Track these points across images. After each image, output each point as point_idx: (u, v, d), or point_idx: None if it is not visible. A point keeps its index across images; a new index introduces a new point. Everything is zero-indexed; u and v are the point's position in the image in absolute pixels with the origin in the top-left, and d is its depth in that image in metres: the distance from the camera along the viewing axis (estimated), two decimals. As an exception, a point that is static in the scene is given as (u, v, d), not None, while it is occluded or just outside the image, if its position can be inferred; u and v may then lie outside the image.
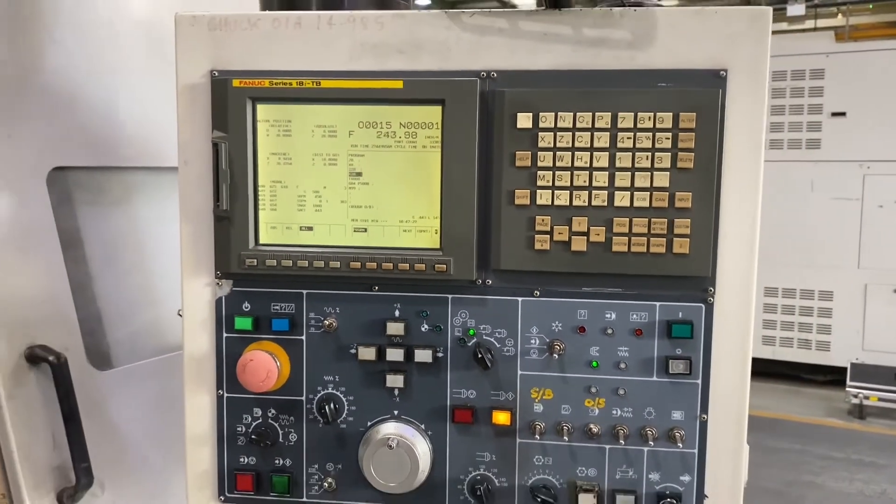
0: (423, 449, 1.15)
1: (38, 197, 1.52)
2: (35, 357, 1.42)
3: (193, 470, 1.21)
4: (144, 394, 1.64)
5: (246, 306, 1.17)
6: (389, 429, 1.15)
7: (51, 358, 1.42)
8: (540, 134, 1.08)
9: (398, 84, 1.09)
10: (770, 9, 1.06)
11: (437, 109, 1.09)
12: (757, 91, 1.06)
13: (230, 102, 1.11)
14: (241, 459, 1.19)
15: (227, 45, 1.13)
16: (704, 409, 1.11)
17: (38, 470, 1.42)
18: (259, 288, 1.16)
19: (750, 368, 1.11)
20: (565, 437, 1.13)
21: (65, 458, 1.44)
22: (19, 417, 1.40)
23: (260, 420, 1.18)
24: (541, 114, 1.08)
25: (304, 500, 1.19)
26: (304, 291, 1.16)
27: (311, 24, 1.12)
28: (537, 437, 1.14)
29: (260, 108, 1.12)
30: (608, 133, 1.07)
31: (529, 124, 1.08)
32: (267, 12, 1.14)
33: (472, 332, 1.14)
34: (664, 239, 1.08)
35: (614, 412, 1.13)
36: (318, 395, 1.17)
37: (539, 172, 1.09)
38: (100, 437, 1.53)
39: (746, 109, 1.06)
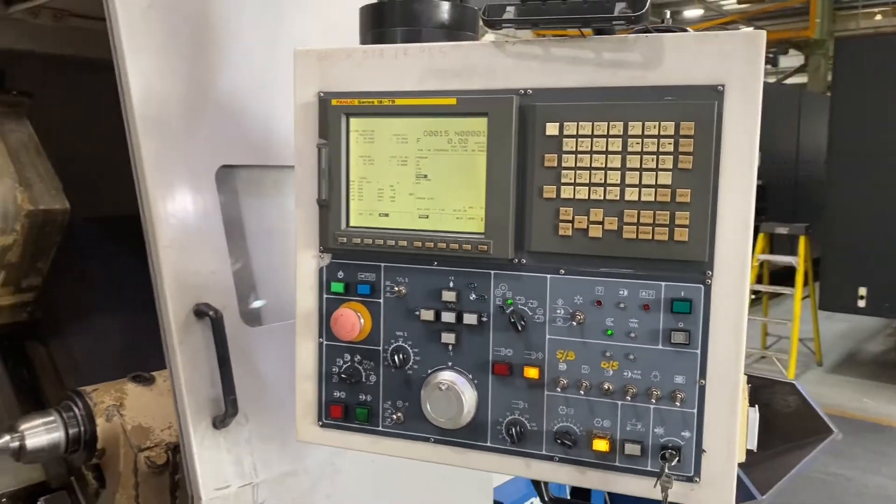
0: (469, 394, 1.42)
1: (209, 189, 1.96)
2: (200, 312, 1.85)
3: (301, 400, 1.57)
4: (283, 347, 2.02)
5: (340, 274, 1.50)
6: (444, 376, 1.44)
7: (211, 313, 1.84)
8: (564, 140, 1.32)
9: (453, 101, 1.38)
10: (763, 32, 1.23)
11: (484, 120, 1.36)
12: (751, 101, 1.23)
13: (330, 117, 1.45)
14: (334, 394, 1.53)
15: (330, 72, 1.47)
16: (703, 375, 1.29)
17: (198, 399, 1.84)
18: (349, 260, 1.49)
19: (744, 342, 1.27)
20: (584, 393, 1.36)
21: (218, 392, 1.86)
22: (186, 358, 1.84)
23: (349, 363, 1.52)
24: (565, 123, 1.31)
25: (380, 428, 1.51)
26: (382, 264, 1.48)
27: (391, 54, 1.43)
28: (561, 390, 1.37)
29: (352, 121, 1.45)
30: (620, 139, 1.29)
31: (556, 132, 1.32)
32: (359, 46, 1.47)
33: (509, 301, 1.40)
34: (667, 228, 1.27)
35: (625, 374, 1.34)
36: (391, 346, 1.48)
37: (563, 171, 1.32)
38: (246, 379, 1.93)
39: (741, 117, 1.24)
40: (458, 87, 1.39)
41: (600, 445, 1.35)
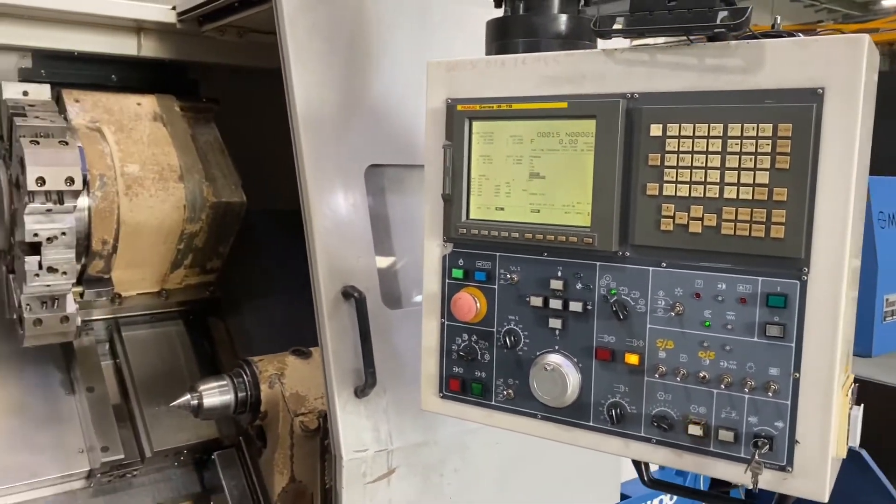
0: (573, 376, 1.54)
1: (358, 186, 2.20)
2: (346, 293, 2.09)
3: (425, 373, 1.75)
4: (419, 329, 2.23)
5: (460, 262, 1.67)
6: (551, 358, 1.56)
7: (356, 294, 2.08)
8: (667, 140, 1.40)
9: (564, 105, 1.50)
10: (866, 36, 1.25)
11: (592, 122, 1.48)
12: (851, 103, 1.26)
13: (455, 120, 1.62)
14: (453, 369, 1.70)
15: (457, 81, 1.64)
16: (797, 368, 1.33)
17: (343, 370, 2.08)
18: (469, 249, 1.66)
19: (840, 338, 1.30)
20: (681, 380, 1.44)
21: (360, 365, 2.09)
22: (334, 334, 2.08)
23: (466, 342, 1.68)
24: (668, 125, 1.40)
25: (493, 403, 1.66)
26: (497, 254, 1.62)
27: (511, 64, 1.58)
28: (659, 377, 1.46)
29: (474, 124, 1.61)
30: (720, 140, 1.35)
31: (660, 133, 1.41)
32: (483, 57, 1.63)
33: (613, 291, 1.50)
34: (763, 226, 1.33)
35: (721, 363, 1.40)
36: (504, 328, 1.62)
37: (666, 170, 1.41)
38: (386, 355, 2.15)
39: (841, 119, 1.27)
40: (569, 91, 1.51)
41: (695, 430, 1.42)
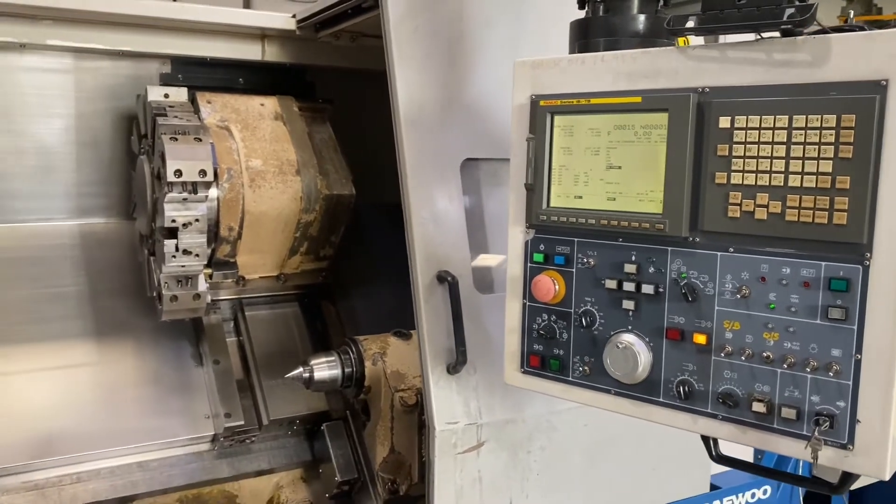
0: (644, 354, 1.64)
1: (454, 178, 2.36)
2: (441, 277, 2.26)
3: (508, 350, 1.89)
4: (508, 314, 2.38)
5: (541, 247, 1.80)
6: (624, 338, 1.67)
7: (449, 279, 2.24)
8: (735, 131, 1.48)
9: (638, 99, 1.60)
10: (929, 27, 1.29)
11: (664, 115, 1.57)
12: (915, 94, 1.30)
13: (538, 115, 1.75)
14: (534, 346, 1.83)
15: (541, 78, 1.77)
16: (859, 350, 1.38)
17: (436, 348, 2.25)
18: (549, 235, 1.78)
19: (901, 322, 1.34)
20: (746, 359, 1.51)
21: (452, 344, 2.25)
22: (429, 314, 2.25)
23: (546, 322, 1.80)
24: (736, 117, 1.48)
25: (570, 378, 1.78)
26: (576, 239, 1.74)
27: (590, 62, 1.69)
28: (725, 356, 1.53)
29: (556, 118, 1.74)
30: (786, 131, 1.42)
31: (728, 125, 1.49)
32: (564, 55, 1.75)
33: (683, 275, 1.59)
34: (826, 212, 1.38)
35: (785, 344, 1.46)
36: (581, 309, 1.74)
37: (733, 160, 1.49)
38: (477, 336, 2.30)
39: (905, 109, 1.31)
40: (644, 86, 1.61)
41: (759, 408, 1.49)
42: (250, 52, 3.15)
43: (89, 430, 2.76)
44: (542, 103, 1.74)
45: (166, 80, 3.11)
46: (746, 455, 1.78)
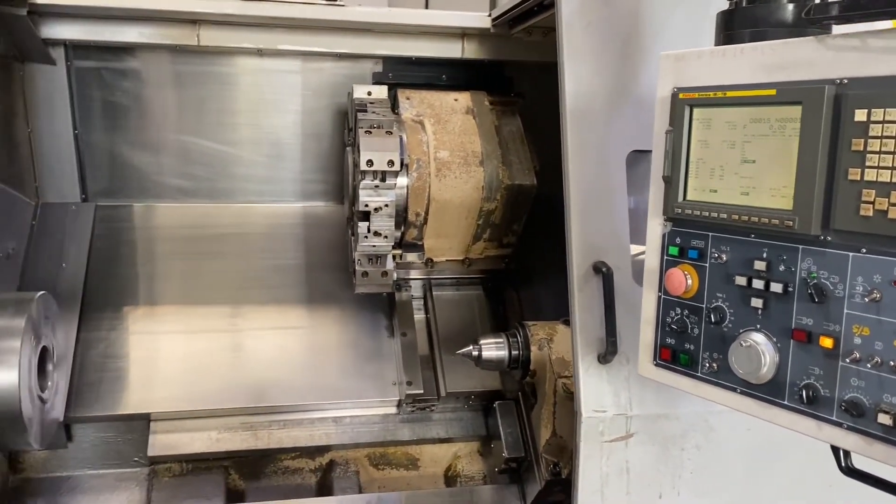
0: (770, 354, 1.59)
1: (619, 169, 2.39)
2: (596, 268, 2.31)
3: (643, 342, 1.91)
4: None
5: (677, 240, 1.80)
6: (752, 336, 1.63)
7: (604, 269, 2.28)
8: (871, 125, 1.39)
9: (772, 92, 1.55)
10: None
11: (798, 108, 1.51)
12: None
13: (677, 108, 1.75)
14: (666, 339, 1.84)
15: (684, 71, 1.77)
16: None
17: (588, 337, 2.31)
18: (684, 229, 1.78)
19: None
20: (874, 368, 1.41)
21: (604, 333, 2.29)
22: (583, 303, 2.31)
23: (678, 316, 1.80)
24: (873, 109, 1.39)
25: (698, 374, 1.76)
26: (710, 234, 1.72)
27: (730, 54, 1.66)
28: (853, 363, 1.45)
29: (694, 111, 1.73)
30: (925, 124, 1.32)
31: (864, 118, 1.40)
32: (707, 48, 1.73)
33: (813, 275, 1.52)
34: (966, 213, 1.27)
35: (917, 355, 1.36)
36: (712, 305, 1.72)
37: (868, 155, 1.40)
38: (632, 329, 2.31)
39: None
40: (783, 78, 1.56)
41: (885, 420, 1.40)
42: (451, 50, 3.39)
43: (296, 384, 3.18)
44: (681, 96, 1.74)
45: (377, 79, 3.45)
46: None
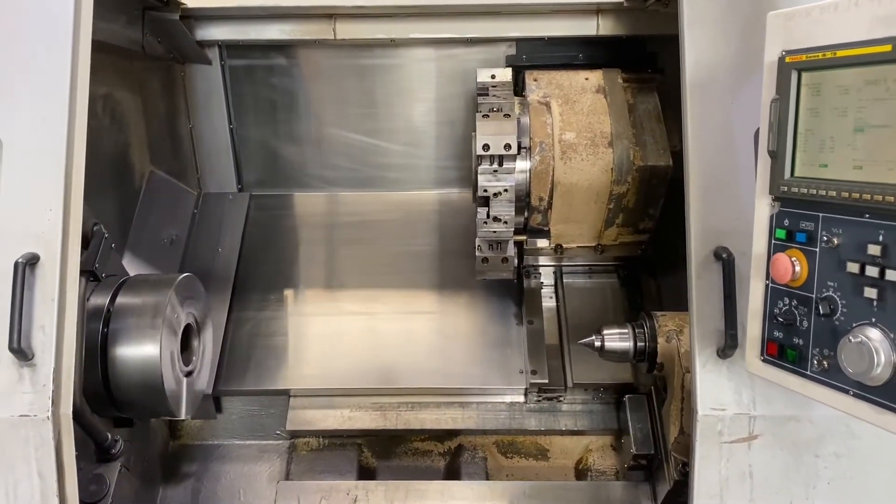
0: (886, 353, 1.37)
1: (746, 147, 2.14)
2: (717, 254, 2.11)
3: (750, 334, 1.73)
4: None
5: (785, 222, 1.60)
6: (866, 332, 1.41)
7: (724, 255, 2.09)
8: None
9: (888, 48, 1.33)
10: None
11: (919, 66, 1.28)
12: None
13: (783, 73, 1.56)
14: (774, 333, 1.65)
15: (793, 31, 1.56)
16: None
17: (705, 328, 2.12)
18: (794, 209, 1.58)
19: None
20: None
21: (724, 325, 2.10)
22: (701, 292, 2.13)
23: (787, 307, 1.61)
24: None
25: (807, 372, 1.56)
26: (820, 214, 1.51)
27: (843, 7, 1.45)
28: (982, 366, 1.21)
29: (803, 75, 1.52)
30: None
31: None
32: (818, 3, 1.51)
33: (936, 261, 1.29)
34: None
35: None
36: (822, 295, 1.51)
37: None
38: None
39: None
40: (902, 31, 1.33)
41: None
42: (586, 27, 3.25)
43: (426, 367, 3.22)
44: (788, 59, 1.55)
45: (512, 62, 3.39)
46: None
